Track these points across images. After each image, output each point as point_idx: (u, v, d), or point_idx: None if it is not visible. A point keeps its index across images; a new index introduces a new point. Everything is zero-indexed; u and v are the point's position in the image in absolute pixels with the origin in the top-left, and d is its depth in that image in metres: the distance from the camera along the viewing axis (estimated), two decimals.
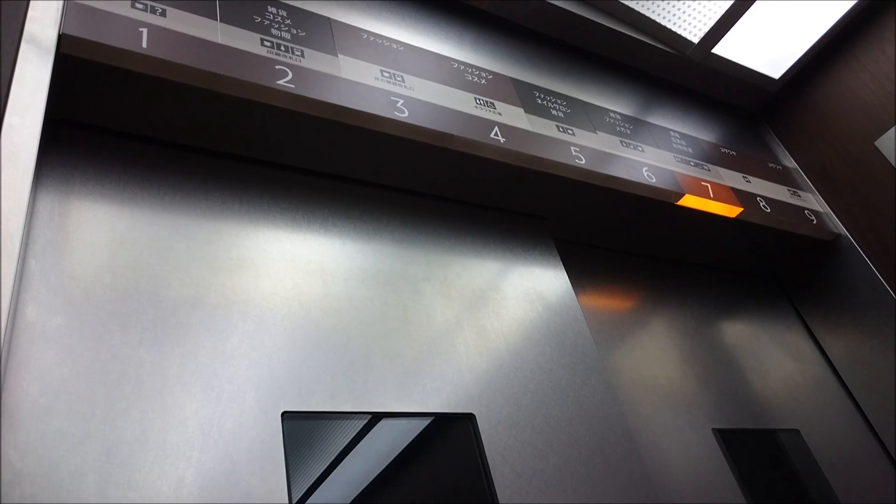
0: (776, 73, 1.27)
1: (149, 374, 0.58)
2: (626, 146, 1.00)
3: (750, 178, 1.14)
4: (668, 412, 0.93)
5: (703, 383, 1.00)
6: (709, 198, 1.02)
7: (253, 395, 0.62)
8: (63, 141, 0.67)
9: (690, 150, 1.10)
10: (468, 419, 0.71)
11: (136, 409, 0.56)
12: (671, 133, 1.11)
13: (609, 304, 1.04)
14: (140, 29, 0.66)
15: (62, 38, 0.60)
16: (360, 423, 0.67)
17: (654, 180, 0.97)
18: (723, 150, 1.17)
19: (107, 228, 0.64)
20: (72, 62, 0.62)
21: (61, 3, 0.62)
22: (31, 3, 0.60)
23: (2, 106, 0.51)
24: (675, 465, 0.87)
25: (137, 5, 0.68)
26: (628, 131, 1.03)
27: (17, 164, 0.49)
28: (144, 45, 0.65)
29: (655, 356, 1.00)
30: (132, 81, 0.66)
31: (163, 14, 0.68)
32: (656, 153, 1.03)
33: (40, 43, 0.58)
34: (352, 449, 0.66)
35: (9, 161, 0.48)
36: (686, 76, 1.23)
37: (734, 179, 1.11)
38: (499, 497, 0.66)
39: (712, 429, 0.95)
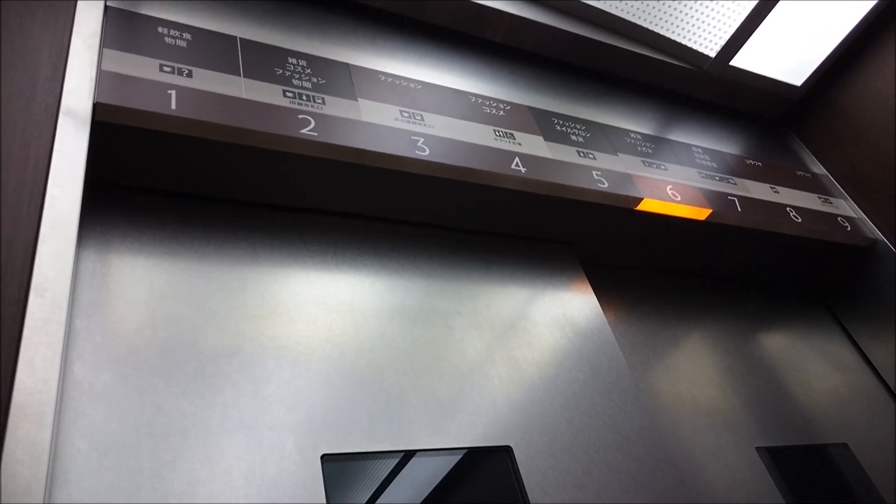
0: (798, 79, 1.26)
1: (192, 425, 0.60)
2: (649, 166, 1.00)
3: (778, 188, 1.13)
4: (709, 433, 0.91)
5: (743, 401, 0.98)
6: (736, 212, 1.02)
7: (292, 440, 0.63)
8: (100, 202, 0.70)
9: (715, 165, 1.10)
10: (505, 452, 0.72)
11: (183, 461, 0.58)
12: (694, 149, 1.10)
13: (641, 325, 1.03)
14: (168, 91, 0.69)
15: (97, 107, 0.63)
16: (396, 459, 0.68)
17: (679, 198, 0.97)
18: (748, 161, 1.16)
19: (146, 284, 0.67)
20: (106, 128, 0.65)
21: (95, 73, 0.65)
22: (67, 75, 0.63)
23: (44, 179, 0.54)
24: (720, 487, 0.85)
25: (165, 68, 0.71)
26: (650, 150, 1.03)
27: (61, 234, 0.51)
28: (173, 106, 0.68)
29: (692, 376, 0.99)
30: (163, 141, 0.69)
31: (189, 75, 0.72)
32: (680, 170, 1.03)
33: (76, 114, 0.61)
34: (389, 485, 0.67)
35: (52, 231, 0.51)
36: (705, 90, 1.23)
37: (762, 191, 1.10)
38: None
39: (756, 447, 0.93)
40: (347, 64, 0.85)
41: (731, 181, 1.08)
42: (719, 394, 0.98)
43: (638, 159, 1.00)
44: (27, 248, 0.50)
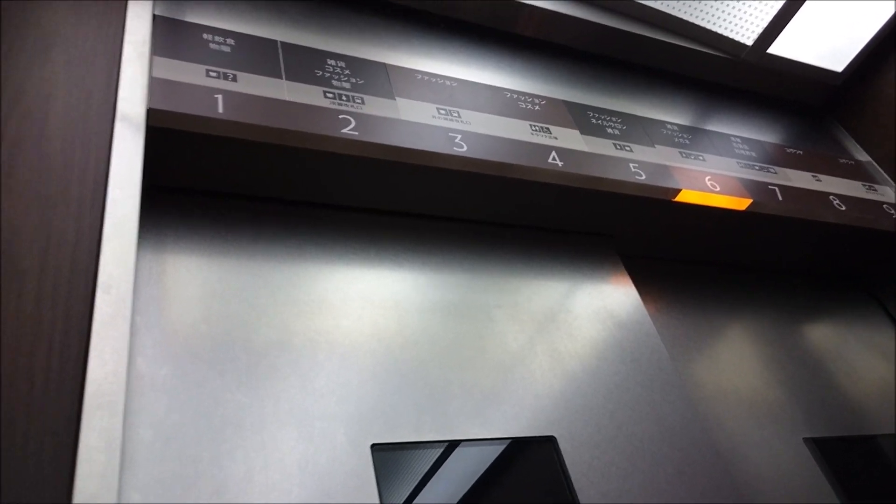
0: (839, 65, 1.24)
1: (247, 416, 0.62)
2: (687, 157, 1.00)
3: (820, 176, 1.11)
4: (754, 424, 0.91)
5: (789, 391, 0.97)
6: (777, 201, 1.00)
7: (343, 430, 0.65)
8: (155, 205, 0.73)
9: (754, 154, 1.08)
10: (549, 442, 0.72)
11: (239, 450, 0.60)
12: (732, 139, 1.09)
13: (682, 316, 1.03)
14: (215, 95, 0.71)
15: (150, 113, 0.66)
16: (442, 449, 0.69)
17: (718, 189, 0.96)
18: (788, 150, 1.14)
19: (199, 282, 0.70)
20: (159, 133, 0.68)
21: (146, 79, 0.68)
22: (121, 83, 0.66)
23: (104, 183, 0.57)
24: (766, 478, 0.85)
25: (211, 73, 0.73)
26: (687, 141, 1.03)
27: (123, 234, 0.54)
28: (220, 110, 0.70)
29: (736, 367, 0.98)
30: (211, 144, 0.71)
31: (234, 79, 0.74)
32: (718, 161, 1.02)
33: (131, 119, 0.64)
34: (436, 474, 0.68)
35: (115, 231, 0.54)
36: (743, 79, 1.21)
37: (803, 180, 1.08)
38: None
39: (804, 438, 0.92)
40: (385, 64, 0.87)
41: (772, 170, 1.07)
42: (763, 385, 0.97)
43: (675, 150, 0.99)
44: (92, 249, 0.53)
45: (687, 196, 0.93)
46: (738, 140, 1.10)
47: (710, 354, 0.98)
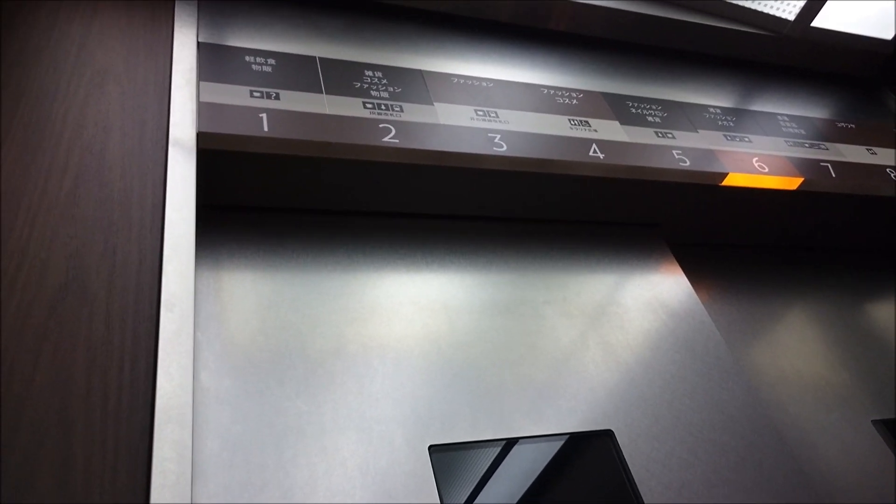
0: (888, 33, 1.19)
1: (308, 423, 0.64)
2: (732, 139, 0.98)
3: (875, 149, 1.07)
4: (819, 407, 0.88)
5: (854, 374, 0.94)
6: (830, 178, 0.97)
7: (400, 432, 0.66)
8: (208, 223, 0.76)
9: (803, 132, 1.05)
10: (607, 435, 0.72)
11: (302, 456, 0.62)
12: (779, 117, 1.07)
13: (736, 302, 1.01)
14: (260, 115, 0.74)
15: (200, 136, 0.69)
16: (500, 447, 0.70)
17: (766, 170, 0.94)
18: (839, 124, 1.11)
19: (254, 295, 0.72)
20: (209, 154, 0.71)
21: (195, 104, 0.71)
22: (171, 109, 0.69)
23: (161, 206, 0.60)
24: (835, 462, 0.82)
25: (255, 93, 0.76)
26: (732, 124, 1.01)
27: (182, 254, 0.57)
28: (265, 128, 0.73)
29: (796, 350, 0.95)
30: (259, 161, 0.74)
31: (277, 97, 0.76)
32: (766, 141, 1.00)
33: (183, 143, 0.67)
34: (495, 472, 0.69)
35: (174, 252, 0.56)
36: (787, 56, 1.18)
37: (857, 154, 1.05)
38: None
39: (872, 420, 0.89)
40: (421, 70, 0.88)
41: (823, 147, 1.04)
42: (827, 367, 0.94)
43: (719, 134, 0.98)
44: (154, 270, 0.56)
45: (734, 179, 0.92)
46: (786, 118, 1.07)
47: (768, 339, 0.96)
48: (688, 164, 0.89)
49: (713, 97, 1.06)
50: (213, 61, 0.78)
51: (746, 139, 0.99)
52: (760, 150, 0.97)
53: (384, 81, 0.84)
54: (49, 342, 0.49)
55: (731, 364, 0.83)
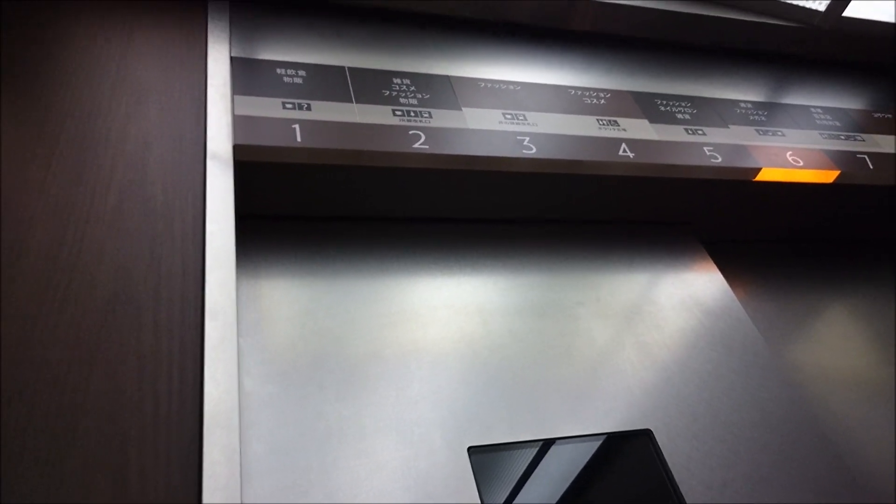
0: None
1: (349, 427, 0.65)
2: (764, 134, 0.96)
3: None
4: (863, 404, 0.87)
5: None
6: (868, 170, 0.96)
7: (439, 434, 0.67)
8: (246, 233, 0.77)
9: (838, 124, 1.04)
10: (646, 435, 0.72)
11: (344, 459, 0.63)
12: (812, 110, 1.05)
13: (773, 299, 0.99)
14: (293, 126, 0.75)
15: (236, 148, 0.71)
16: (538, 448, 0.70)
17: (801, 164, 0.93)
18: (876, 115, 1.09)
19: (292, 302, 0.74)
20: (244, 166, 0.73)
21: (230, 118, 0.73)
22: (208, 123, 0.71)
23: (202, 218, 0.61)
24: (882, 460, 0.81)
25: (287, 105, 0.78)
26: (763, 118, 1.00)
27: (223, 264, 0.58)
28: (299, 139, 0.74)
29: (837, 346, 0.94)
30: (293, 171, 0.76)
31: (308, 108, 0.78)
32: (799, 134, 0.99)
33: (220, 157, 0.68)
34: (534, 472, 0.69)
35: (216, 262, 0.58)
36: (818, 47, 1.16)
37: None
38: None
39: None
40: (448, 76, 0.89)
41: (859, 138, 1.02)
42: (870, 363, 0.92)
43: (751, 129, 0.97)
44: (197, 280, 0.57)
45: (768, 174, 0.91)
46: (819, 110, 1.06)
47: (808, 336, 0.94)
48: (719, 160, 0.89)
49: (743, 92, 1.05)
50: (246, 75, 0.80)
51: (779, 133, 0.98)
52: (794, 144, 0.96)
53: (412, 88, 0.85)
54: (101, 352, 0.50)
55: (770, 361, 0.82)
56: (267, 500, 0.58)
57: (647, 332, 0.82)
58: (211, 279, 0.57)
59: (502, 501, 0.66)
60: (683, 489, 0.68)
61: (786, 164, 0.92)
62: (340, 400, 0.67)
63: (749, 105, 1.02)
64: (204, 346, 0.52)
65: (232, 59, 0.80)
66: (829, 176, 0.94)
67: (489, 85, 0.90)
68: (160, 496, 0.45)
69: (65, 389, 0.48)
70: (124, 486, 0.44)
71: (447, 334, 0.75)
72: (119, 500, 0.44)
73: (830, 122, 1.04)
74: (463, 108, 0.85)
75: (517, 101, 0.88)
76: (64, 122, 0.67)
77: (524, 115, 0.86)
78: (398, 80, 0.86)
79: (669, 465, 0.69)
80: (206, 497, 0.45)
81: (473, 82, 0.89)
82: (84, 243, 0.57)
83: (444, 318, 0.77)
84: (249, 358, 0.67)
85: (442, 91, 0.86)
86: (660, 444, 0.71)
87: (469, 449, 0.66)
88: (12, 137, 0.64)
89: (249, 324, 0.70)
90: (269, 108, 0.76)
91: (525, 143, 0.82)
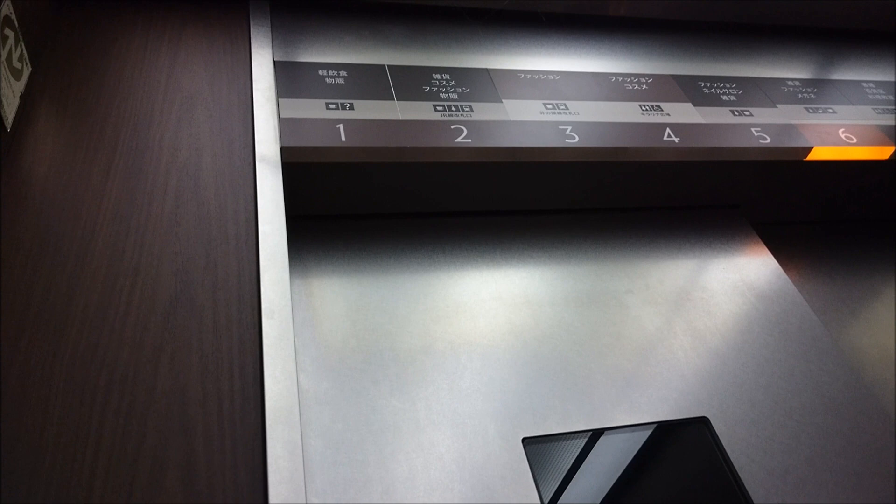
0: None
1: (404, 420, 0.66)
2: (814, 112, 0.94)
3: None
4: None
5: None
6: None
7: (493, 426, 0.67)
8: (294, 233, 0.79)
9: (892, 98, 1.00)
10: (702, 423, 0.71)
11: (401, 452, 0.64)
12: (864, 85, 1.02)
13: (829, 280, 0.97)
14: (337, 126, 0.76)
15: (283, 150, 0.72)
16: (593, 437, 0.70)
17: (854, 140, 0.90)
18: None
19: (342, 299, 0.75)
20: (291, 167, 0.74)
21: (276, 121, 0.74)
22: (256, 127, 0.73)
23: (254, 220, 0.63)
24: None
25: (330, 105, 0.79)
26: (813, 96, 0.97)
27: (277, 264, 0.60)
28: (343, 138, 0.75)
29: None
30: (339, 171, 0.77)
31: (351, 108, 0.79)
32: (851, 110, 0.96)
33: (269, 159, 0.70)
34: (589, 462, 0.69)
35: (270, 263, 0.59)
36: (867, 19, 1.12)
37: None
38: (752, 496, 0.64)
39: None
40: (487, 69, 0.89)
41: None
42: None
43: (800, 107, 0.94)
44: (252, 280, 0.59)
45: (820, 153, 0.88)
46: (871, 85, 1.02)
47: (867, 317, 0.91)
48: (768, 140, 0.86)
49: (790, 70, 1.02)
50: (290, 78, 0.81)
51: (830, 110, 0.95)
52: (846, 121, 0.93)
53: (452, 83, 0.86)
54: (165, 353, 0.52)
55: (830, 344, 0.80)
56: (327, 495, 0.59)
57: (698, 318, 0.81)
58: (266, 279, 0.58)
59: (557, 491, 0.66)
60: (744, 476, 0.66)
61: (838, 142, 0.89)
62: (394, 394, 0.68)
63: (797, 83, 0.99)
64: (262, 344, 0.53)
65: (275, 63, 0.82)
66: (884, 152, 0.91)
67: (528, 76, 0.89)
68: (227, 491, 0.46)
69: (134, 389, 0.50)
70: (193, 480, 0.46)
71: (496, 326, 0.75)
72: (188, 494, 0.45)
73: (884, 97, 1.00)
74: (504, 101, 0.84)
75: (557, 91, 0.88)
76: (119, 132, 0.69)
77: (565, 105, 0.86)
78: (438, 76, 0.86)
79: (728, 452, 0.68)
80: (271, 490, 0.46)
81: (513, 74, 0.89)
82: (144, 248, 0.59)
83: (493, 309, 0.77)
84: (303, 355, 0.68)
85: (482, 84, 0.86)
86: (717, 431, 0.70)
87: (524, 440, 0.67)
88: (73, 148, 0.66)
89: (302, 322, 0.71)
90: (313, 109, 0.78)
91: (567, 132, 0.82)
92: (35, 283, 0.55)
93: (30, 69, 0.71)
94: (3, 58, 0.62)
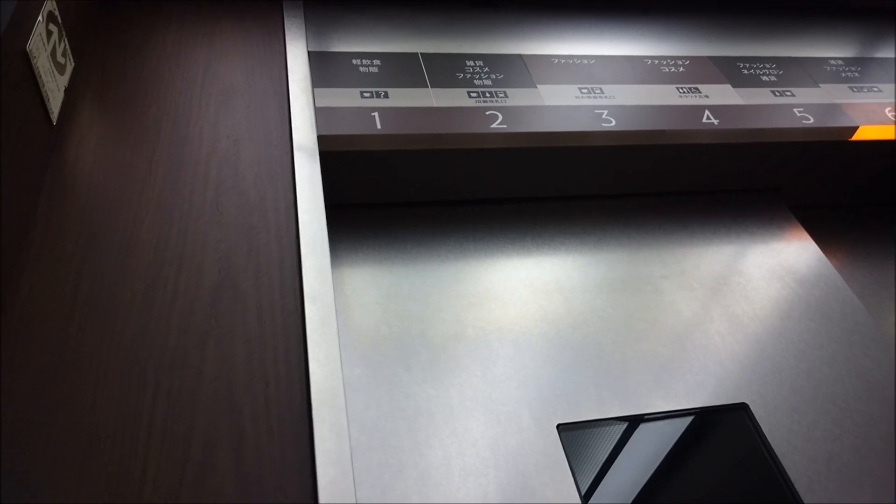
0: None
1: (437, 406, 0.67)
2: (859, 91, 0.91)
3: None
4: None
5: None
6: None
7: (527, 412, 0.68)
8: (328, 222, 0.80)
9: None
10: (742, 409, 0.70)
11: (435, 438, 0.65)
12: None
13: (871, 265, 0.94)
14: (372, 114, 0.77)
15: (320, 139, 0.73)
16: (628, 424, 0.70)
17: None
18: None
19: (375, 288, 0.76)
20: (329, 156, 0.75)
21: (312, 110, 0.75)
22: (292, 117, 0.74)
23: (294, 208, 0.64)
24: None
25: (365, 94, 0.79)
26: (857, 74, 0.94)
27: (317, 250, 0.60)
28: (378, 126, 0.76)
29: None
30: (374, 159, 0.77)
31: (385, 96, 0.79)
32: None
33: (306, 148, 0.71)
34: (626, 449, 0.69)
35: (311, 250, 0.60)
36: None
37: None
38: (795, 484, 0.64)
39: None
40: (521, 55, 0.88)
41: None
42: None
43: (844, 86, 0.91)
44: (293, 266, 0.60)
45: (866, 133, 0.86)
46: None
47: None
48: (811, 121, 0.85)
49: (832, 48, 0.99)
50: (324, 68, 0.82)
51: (876, 89, 0.92)
52: (893, 99, 0.90)
53: (486, 69, 0.85)
54: (211, 338, 0.54)
55: (873, 330, 0.78)
56: (362, 480, 0.60)
57: (735, 303, 0.80)
58: (307, 265, 0.59)
59: (594, 477, 0.66)
60: (786, 463, 0.66)
61: (885, 121, 0.86)
62: (427, 381, 0.69)
63: (840, 62, 0.96)
64: (306, 328, 0.55)
65: (309, 53, 0.83)
66: None
67: (563, 60, 0.89)
68: (275, 471, 0.48)
69: (184, 373, 0.51)
70: (242, 460, 0.47)
71: (528, 313, 0.76)
72: (238, 474, 0.47)
73: None
74: (538, 86, 0.84)
75: (592, 75, 0.87)
76: (161, 124, 0.71)
77: (601, 89, 0.85)
78: (471, 63, 0.86)
79: (769, 439, 0.68)
80: (320, 471, 0.47)
81: (546, 59, 0.89)
82: (188, 236, 0.60)
83: (524, 296, 0.77)
84: None
85: (515, 70, 0.86)
86: (757, 417, 0.69)
87: (558, 426, 0.67)
88: (116, 140, 0.68)
89: (336, 309, 0.72)
90: (348, 98, 0.78)
91: (603, 116, 0.81)
92: (83, 271, 0.57)
93: (73, 64, 0.73)
94: (48, 52, 0.64)
